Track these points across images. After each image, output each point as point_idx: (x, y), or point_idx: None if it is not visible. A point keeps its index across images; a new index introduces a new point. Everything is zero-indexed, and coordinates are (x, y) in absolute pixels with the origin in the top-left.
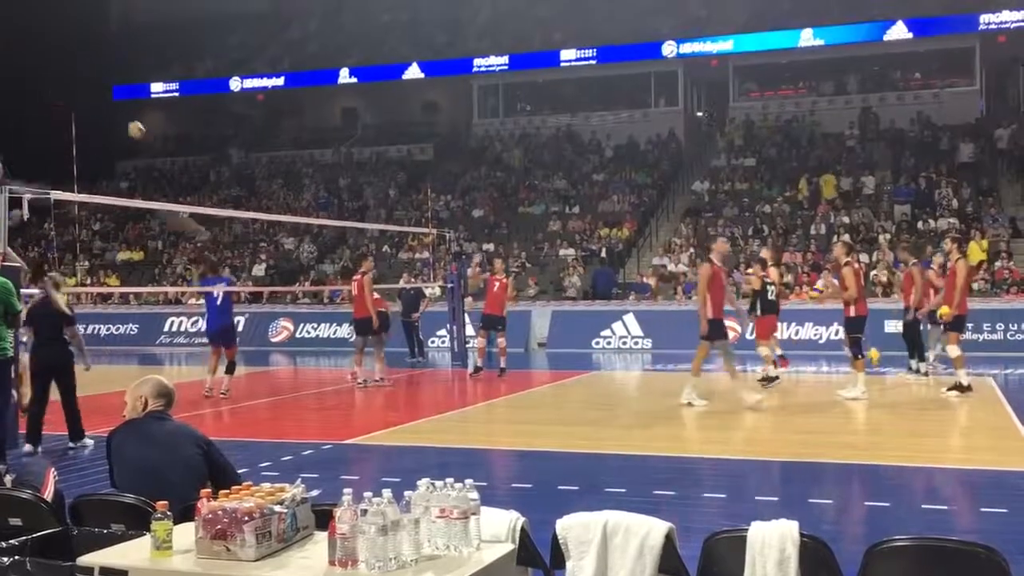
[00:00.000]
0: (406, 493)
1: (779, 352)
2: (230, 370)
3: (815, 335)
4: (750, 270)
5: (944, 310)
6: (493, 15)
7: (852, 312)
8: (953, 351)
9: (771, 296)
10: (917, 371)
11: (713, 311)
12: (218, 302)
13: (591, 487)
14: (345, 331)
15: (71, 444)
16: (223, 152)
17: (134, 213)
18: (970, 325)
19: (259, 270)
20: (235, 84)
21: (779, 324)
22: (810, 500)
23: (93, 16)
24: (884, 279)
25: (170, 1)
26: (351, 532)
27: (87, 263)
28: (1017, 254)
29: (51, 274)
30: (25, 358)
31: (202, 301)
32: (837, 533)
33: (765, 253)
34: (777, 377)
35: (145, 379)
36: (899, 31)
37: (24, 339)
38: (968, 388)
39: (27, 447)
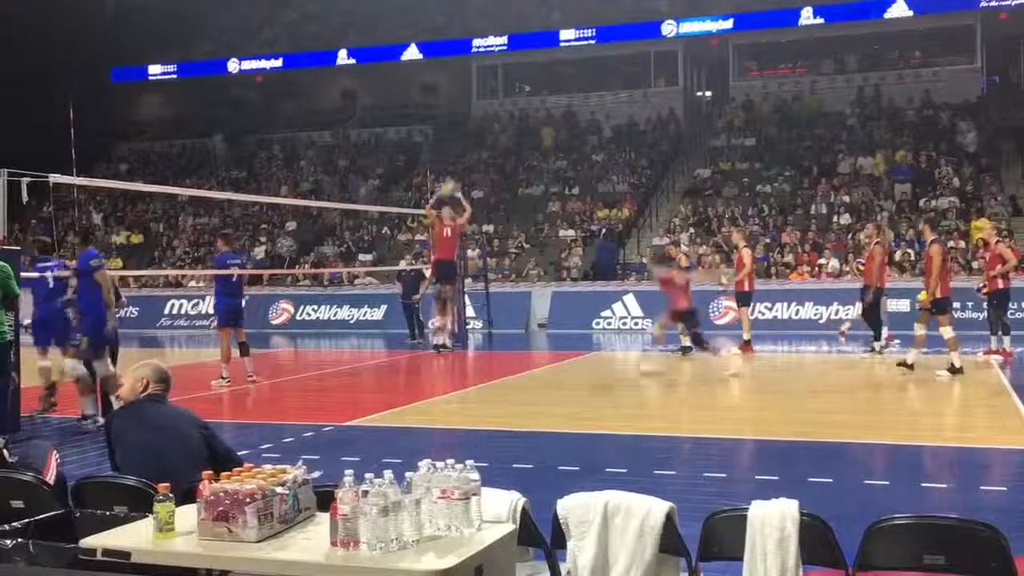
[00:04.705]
0: (407, 474)
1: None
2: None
3: (815, 315)
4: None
5: (922, 296)
6: None
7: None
8: (946, 332)
9: None
10: (875, 350)
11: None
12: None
13: (592, 467)
14: (345, 313)
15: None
16: (220, 135)
17: (134, 196)
18: (969, 304)
19: (259, 252)
20: (233, 66)
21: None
22: (810, 479)
23: None
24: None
25: None
26: (353, 513)
27: None
28: (1018, 232)
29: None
30: None
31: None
32: (837, 512)
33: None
34: (690, 348)
35: (145, 363)
36: (899, 8)
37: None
38: (960, 370)
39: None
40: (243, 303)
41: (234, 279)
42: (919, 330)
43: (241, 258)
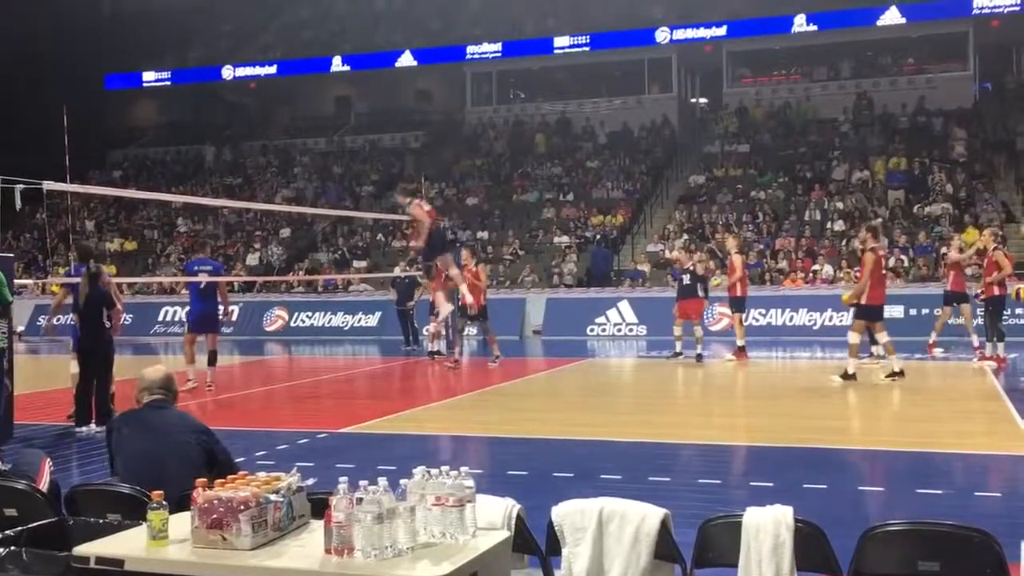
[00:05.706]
0: (402, 481)
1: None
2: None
3: (809, 321)
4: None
5: (845, 296)
6: (486, 2)
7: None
8: (853, 338)
9: (686, 281)
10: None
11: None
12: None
13: (586, 474)
14: (339, 319)
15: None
16: (215, 142)
17: (128, 202)
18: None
19: (253, 259)
20: (227, 72)
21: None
22: (805, 485)
23: (85, 4)
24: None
25: None
26: (347, 520)
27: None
28: (1011, 239)
29: (90, 264)
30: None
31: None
32: (832, 518)
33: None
34: (680, 354)
35: (148, 369)
36: (892, 16)
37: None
38: (853, 376)
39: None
40: (218, 309)
41: (202, 286)
42: (882, 338)
43: (212, 264)
